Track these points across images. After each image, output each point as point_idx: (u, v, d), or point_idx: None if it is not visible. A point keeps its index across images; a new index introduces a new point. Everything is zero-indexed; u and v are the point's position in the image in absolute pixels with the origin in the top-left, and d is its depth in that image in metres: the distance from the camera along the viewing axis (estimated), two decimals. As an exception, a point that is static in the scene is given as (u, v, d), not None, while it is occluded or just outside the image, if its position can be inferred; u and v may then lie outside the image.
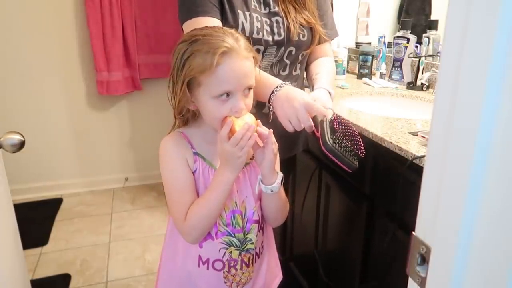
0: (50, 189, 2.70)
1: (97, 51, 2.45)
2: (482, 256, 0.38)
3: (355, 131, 0.87)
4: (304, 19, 1.11)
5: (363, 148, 0.86)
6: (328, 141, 0.84)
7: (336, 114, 0.90)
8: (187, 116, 0.87)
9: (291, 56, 1.12)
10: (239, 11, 1.03)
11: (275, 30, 1.08)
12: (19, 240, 1.17)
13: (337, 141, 0.85)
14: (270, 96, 0.96)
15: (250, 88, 0.82)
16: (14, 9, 2.36)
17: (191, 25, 0.99)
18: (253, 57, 0.82)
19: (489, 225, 0.37)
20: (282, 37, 1.08)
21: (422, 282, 0.44)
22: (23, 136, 0.97)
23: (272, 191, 0.86)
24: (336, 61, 1.66)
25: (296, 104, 0.91)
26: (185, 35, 0.83)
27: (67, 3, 2.44)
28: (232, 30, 0.82)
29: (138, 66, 2.58)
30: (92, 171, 2.80)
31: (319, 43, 1.17)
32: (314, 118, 0.92)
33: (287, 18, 1.08)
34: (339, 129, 0.86)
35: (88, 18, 2.40)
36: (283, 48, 1.10)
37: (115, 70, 2.51)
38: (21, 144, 0.96)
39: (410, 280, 0.46)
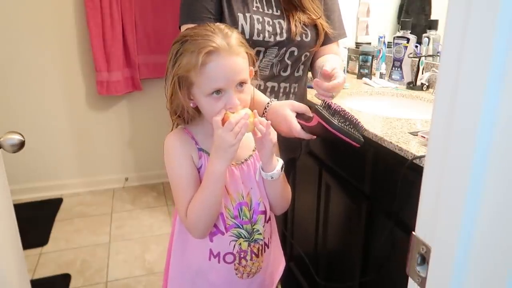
0: (50, 189, 2.70)
1: (97, 51, 2.45)
2: (482, 256, 0.38)
3: (346, 111, 0.91)
4: (308, 17, 1.11)
5: (361, 122, 0.90)
6: (333, 120, 0.87)
7: (325, 100, 0.93)
8: (183, 117, 0.87)
9: (292, 56, 1.12)
10: (239, 14, 1.04)
11: (278, 31, 1.08)
12: (19, 240, 1.17)
13: (341, 119, 0.88)
14: (264, 114, 1.00)
15: (243, 83, 0.82)
16: (14, 9, 2.36)
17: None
18: (246, 52, 0.83)
19: (489, 225, 0.37)
20: (284, 38, 1.08)
21: (422, 282, 0.44)
22: (23, 136, 0.97)
23: (272, 177, 0.88)
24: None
25: (280, 119, 0.95)
26: (178, 36, 0.84)
27: (67, 3, 2.44)
28: (223, 26, 0.83)
29: (138, 66, 2.58)
30: (92, 171, 2.80)
31: (326, 43, 1.17)
32: (310, 110, 0.94)
33: (289, 20, 1.09)
34: (337, 108, 0.89)
35: (88, 18, 2.40)
36: (284, 48, 1.10)
37: (115, 70, 2.51)
38: (21, 144, 0.96)
39: (410, 280, 0.46)
